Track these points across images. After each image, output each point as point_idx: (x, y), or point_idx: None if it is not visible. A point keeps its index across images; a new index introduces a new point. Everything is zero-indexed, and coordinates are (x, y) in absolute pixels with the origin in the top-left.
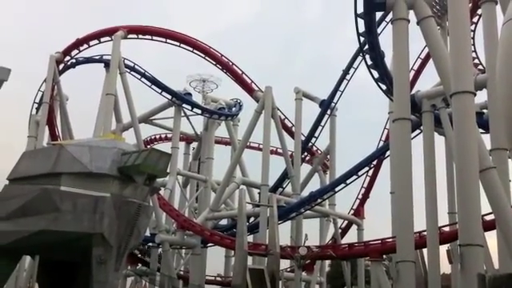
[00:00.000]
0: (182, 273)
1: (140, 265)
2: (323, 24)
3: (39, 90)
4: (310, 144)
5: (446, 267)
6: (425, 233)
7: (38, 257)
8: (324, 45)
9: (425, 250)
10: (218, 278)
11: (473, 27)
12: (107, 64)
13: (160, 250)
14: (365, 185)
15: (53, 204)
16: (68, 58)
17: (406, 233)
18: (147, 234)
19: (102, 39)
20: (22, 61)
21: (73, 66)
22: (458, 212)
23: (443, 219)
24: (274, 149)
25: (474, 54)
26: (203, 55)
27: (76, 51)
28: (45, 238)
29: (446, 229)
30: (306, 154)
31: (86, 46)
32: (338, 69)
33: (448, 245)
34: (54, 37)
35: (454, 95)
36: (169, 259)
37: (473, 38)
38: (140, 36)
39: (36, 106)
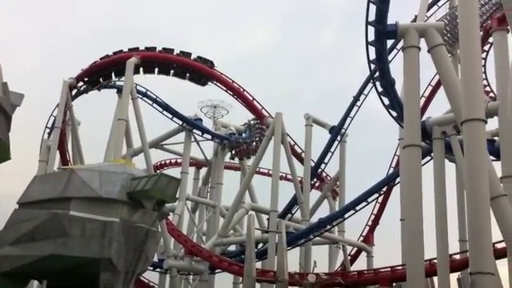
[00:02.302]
0: None
1: None
2: (335, 51)
3: (51, 114)
4: (320, 170)
5: None
6: (435, 260)
7: (46, 282)
8: (336, 72)
9: (435, 278)
10: None
11: (484, 55)
12: (120, 90)
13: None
14: (374, 211)
15: (62, 228)
16: (81, 83)
17: (416, 260)
18: (155, 259)
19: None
20: (35, 86)
21: (85, 91)
22: (469, 240)
23: (454, 247)
24: (284, 175)
25: (484, 82)
26: (214, 81)
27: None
28: (53, 263)
29: (457, 256)
30: (315, 180)
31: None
32: (349, 95)
33: (459, 273)
34: (66, 63)
35: (465, 122)
36: (176, 285)
37: (484, 66)
38: None
39: (48, 130)
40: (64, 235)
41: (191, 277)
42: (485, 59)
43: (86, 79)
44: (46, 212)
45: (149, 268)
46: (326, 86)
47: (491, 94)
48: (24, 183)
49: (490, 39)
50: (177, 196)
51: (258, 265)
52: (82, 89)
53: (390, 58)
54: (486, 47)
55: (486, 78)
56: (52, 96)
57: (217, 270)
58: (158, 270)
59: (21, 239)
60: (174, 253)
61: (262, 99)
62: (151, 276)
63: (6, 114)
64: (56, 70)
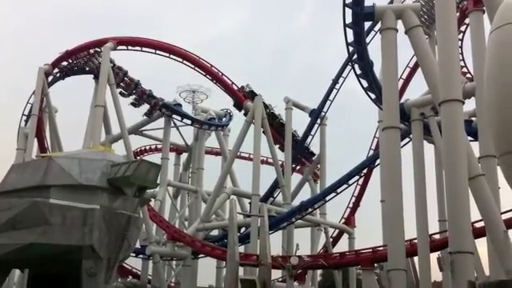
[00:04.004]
0: (173, 284)
1: (130, 277)
2: (313, 33)
3: (28, 102)
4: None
5: (437, 275)
6: (416, 241)
7: (28, 270)
8: (314, 54)
9: (416, 258)
10: None
11: (460, 36)
12: (96, 75)
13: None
14: (355, 193)
15: (42, 217)
16: (57, 69)
17: (396, 241)
18: (138, 245)
19: (92, 51)
20: (11, 74)
21: (62, 77)
22: (448, 219)
23: (434, 227)
24: (265, 158)
25: (461, 63)
26: (193, 66)
27: (65, 63)
28: (34, 251)
29: (437, 236)
30: (296, 163)
31: (75, 57)
32: (328, 78)
33: (439, 252)
34: (42, 49)
35: (443, 103)
36: (159, 271)
37: (460, 47)
38: (129, 47)
39: (25, 118)
40: (45, 223)
41: (174, 262)
42: (461, 40)
43: (61, 65)
44: (25, 200)
45: (131, 254)
46: (303, 69)
47: (468, 75)
48: (1, 172)
49: (467, 20)
50: (158, 182)
51: (241, 249)
52: (58, 75)
53: (367, 40)
54: (463, 28)
55: (463, 59)
56: (27, 83)
57: (200, 255)
58: (141, 256)
59: (1, 228)
60: (157, 239)
61: (240, 83)
62: (134, 262)
63: None
64: (30, 56)
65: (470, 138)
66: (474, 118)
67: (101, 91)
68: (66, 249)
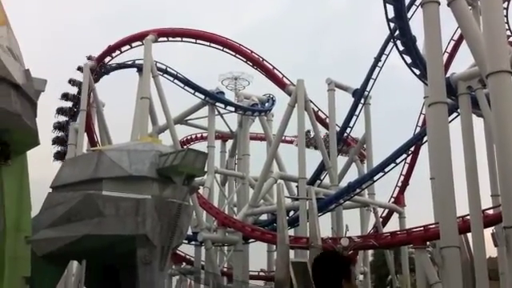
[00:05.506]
0: (225, 269)
1: (184, 263)
2: (350, 12)
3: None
4: (346, 134)
5: (492, 251)
6: (468, 217)
7: (85, 261)
8: (352, 33)
9: (469, 235)
10: (262, 273)
11: (505, 5)
12: (140, 68)
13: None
14: (404, 172)
15: (96, 209)
16: (101, 64)
17: (448, 218)
18: (189, 232)
19: (134, 44)
20: (55, 71)
21: (107, 72)
22: (501, 193)
23: (486, 202)
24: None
25: (508, 32)
26: (233, 53)
27: (109, 58)
28: (90, 243)
29: (490, 211)
30: (342, 144)
31: (118, 52)
32: (368, 57)
33: (493, 228)
34: (85, 46)
35: (490, 75)
36: (212, 257)
37: (506, 16)
38: (170, 38)
39: None
40: (98, 215)
41: (226, 248)
42: (506, 9)
43: (105, 60)
44: (79, 194)
45: (184, 241)
46: (344, 49)
47: None
48: (54, 167)
49: None
50: (205, 169)
51: (291, 232)
52: (102, 70)
53: (409, 15)
54: None
55: (509, 29)
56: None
57: (250, 240)
58: (193, 242)
59: (57, 222)
60: (207, 225)
61: (281, 67)
62: (187, 249)
63: (32, 101)
64: (74, 53)
65: None
66: None
67: (145, 83)
68: (120, 239)
